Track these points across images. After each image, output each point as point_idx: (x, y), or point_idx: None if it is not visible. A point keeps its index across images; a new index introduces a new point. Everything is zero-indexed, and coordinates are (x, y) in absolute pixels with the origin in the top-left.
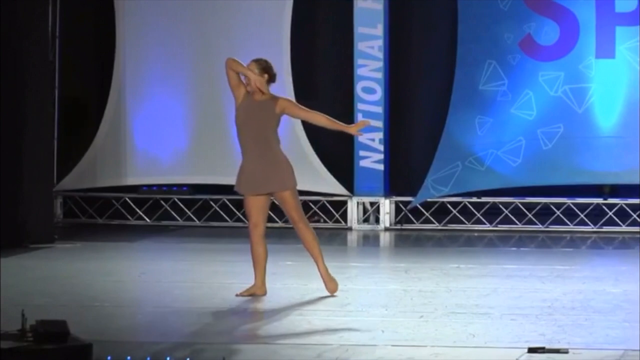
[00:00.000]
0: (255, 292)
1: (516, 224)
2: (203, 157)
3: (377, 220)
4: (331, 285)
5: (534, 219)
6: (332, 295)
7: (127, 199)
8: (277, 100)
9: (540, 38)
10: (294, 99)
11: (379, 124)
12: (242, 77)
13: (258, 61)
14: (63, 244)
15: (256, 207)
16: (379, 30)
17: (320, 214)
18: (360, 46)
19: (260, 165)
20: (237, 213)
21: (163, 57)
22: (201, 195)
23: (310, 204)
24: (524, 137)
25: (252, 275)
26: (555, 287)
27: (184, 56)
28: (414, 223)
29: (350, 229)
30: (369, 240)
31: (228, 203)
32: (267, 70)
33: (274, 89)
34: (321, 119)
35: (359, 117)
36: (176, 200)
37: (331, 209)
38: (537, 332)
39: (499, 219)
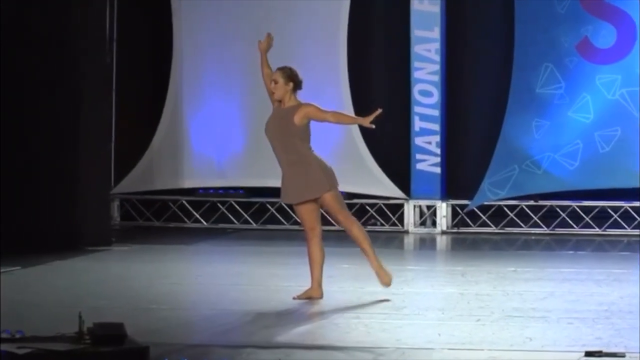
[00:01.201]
0: (312, 295)
1: (573, 227)
2: (259, 160)
3: (434, 224)
4: (385, 278)
5: (591, 222)
6: (386, 300)
7: (183, 202)
8: (299, 107)
9: (598, 41)
10: (349, 102)
11: (436, 127)
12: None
13: (282, 69)
14: (120, 247)
15: (307, 212)
16: (436, 32)
17: (377, 217)
18: (417, 49)
19: (294, 173)
20: (294, 216)
21: (220, 60)
22: (257, 198)
23: (367, 207)
24: (581, 140)
25: (309, 278)
26: (612, 290)
27: (240, 59)
28: (471, 226)
29: (407, 232)
30: (426, 244)
31: (284, 206)
32: (292, 78)
33: (330, 90)
34: (341, 117)
35: (416, 120)
36: (233, 203)
37: (388, 212)
38: (594, 336)
39: (555, 222)
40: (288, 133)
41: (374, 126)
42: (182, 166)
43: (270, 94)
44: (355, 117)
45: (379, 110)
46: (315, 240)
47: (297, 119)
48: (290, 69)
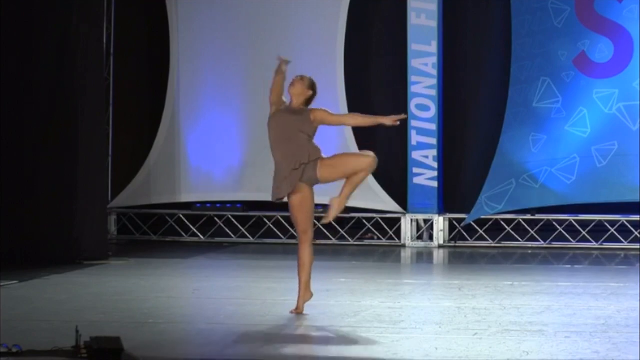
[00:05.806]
0: (305, 299)
1: (570, 241)
2: (257, 174)
3: (431, 237)
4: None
5: (587, 236)
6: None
7: (181, 216)
8: (312, 110)
9: (595, 55)
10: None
11: (433, 141)
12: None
13: (304, 78)
14: (117, 261)
15: (301, 210)
16: (433, 47)
17: (374, 230)
18: (414, 63)
19: (289, 165)
20: (290, 230)
21: (217, 75)
22: (255, 212)
23: (364, 220)
24: (578, 154)
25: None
26: (609, 304)
27: (238, 74)
28: (468, 240)
29: (404, 246)
30: (423, 258)
31: (282, 220)
32: (312, 87)
33: (327, 105)
34: (356, 119)
35: (413, 134)
36: (230, 217)
37: (385, 226)
38: (591, 350)
39: (553, 236)
40: (300, 127)
41: (398, 123)
42: (179, 180)
43: (277, 95)
44: (376, 116)
45: (404, 116)
46: (307, 244)
47: (314, 118)
48: (310, 78)
